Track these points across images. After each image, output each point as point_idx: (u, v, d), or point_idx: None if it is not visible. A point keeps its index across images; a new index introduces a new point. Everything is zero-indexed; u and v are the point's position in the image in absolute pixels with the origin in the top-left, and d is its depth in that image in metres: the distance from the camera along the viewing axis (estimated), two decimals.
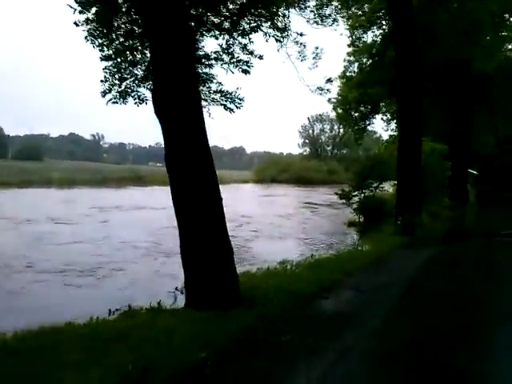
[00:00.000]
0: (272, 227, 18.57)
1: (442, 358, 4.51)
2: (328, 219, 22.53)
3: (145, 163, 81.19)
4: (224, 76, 7.12)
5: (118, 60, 6.78)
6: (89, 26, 6.44)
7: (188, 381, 3.91)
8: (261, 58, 7.11)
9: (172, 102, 5.79)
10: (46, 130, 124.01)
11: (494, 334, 5.42)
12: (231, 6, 6.68)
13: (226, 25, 6.76)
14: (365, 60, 24.97)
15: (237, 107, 7.05)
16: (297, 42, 12.18)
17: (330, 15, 16.49)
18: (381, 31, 23.25)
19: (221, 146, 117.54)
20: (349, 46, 24.65)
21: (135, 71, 6.88)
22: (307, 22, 15.39)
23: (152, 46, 6.08)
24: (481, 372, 4.31)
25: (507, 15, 24.09)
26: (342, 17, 21.06)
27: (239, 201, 28.33)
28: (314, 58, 13.17)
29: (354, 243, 13.60)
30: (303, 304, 6.16)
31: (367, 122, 27.67)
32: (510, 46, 27.24)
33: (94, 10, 6.33)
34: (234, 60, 6.94)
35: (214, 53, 6.95)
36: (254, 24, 6.86)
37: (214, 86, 7.11)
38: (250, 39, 6.96)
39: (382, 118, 29.46)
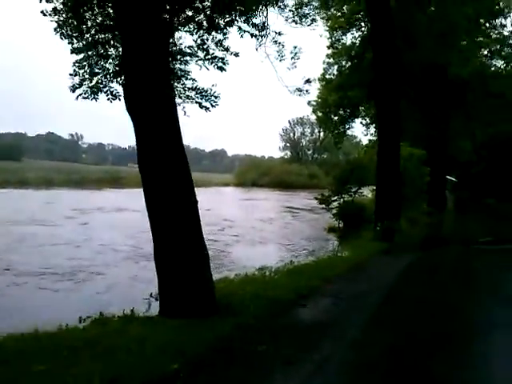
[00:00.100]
0: (253, 231, 18.54)
1: (422, 364, 4.47)
2: (308, 224, 22.49)
3: (124, 164, 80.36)
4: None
5: (89, 53, 6.57)
6: (57, 17, 6.23)
7: None
8: (236, 55, 6.98)
9: (144, 97, 5.55)
10: (23, 129, 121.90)
11: (473, 341, 5.37)
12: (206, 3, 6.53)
13: (201, 19, 6.57)
14: (344, 62, 25.13)
15: (212, 105, 6.90)
16: (275, 42, 12.17)
17: (308, 14, 16.51)
18: (360, 33, 23.45)
19: (202, 149, 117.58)
20: (328, 47, 24.88)
21: (107, 65, 6.67)
22: (286, 20, 15.37)
23: (124, 39, 5.82)
24: (461, 379, 4.26)
25: (482, 21, 24.55)
26: (322, 17, 21.26)
27: (221, 204, 28.21)
28: (293, 57, 13.16)
29: (334, 249, 13.55)
30: (280, 312, 6.01)
31: (347, 126, 27.95)
32: (485, 52, 27.78)
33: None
34: (209, 56, 6.80)
35: (189, 47, 6.80)
36: (229, 19, 6.69)
37: (188, 83, 6.96)
38: (225, 34, 6.82)
39: (361, 122, 29.83)
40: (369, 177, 18.22)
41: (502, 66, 28.03)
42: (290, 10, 14.57)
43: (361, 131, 69.29)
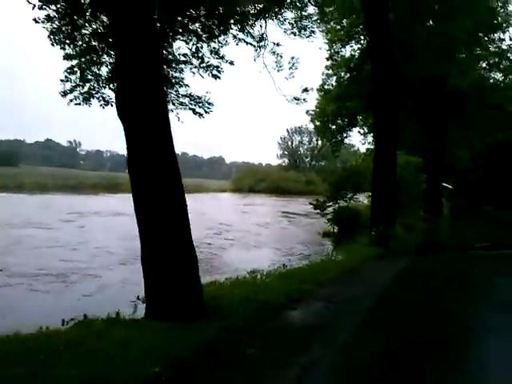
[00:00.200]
0: (249, 235, 18.53)
1: (416, 369, 4.36)
2: (304, 229, 22.44)
3: (122, 170, 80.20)
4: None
5: (82, 60, 6.53)
6: (49, 24, 6.15)
7: None
8: (231, 63, 7.04)
9: (136, 103, 5.45)
10: (22, 136, 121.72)
11: (468, 346, 5.25)
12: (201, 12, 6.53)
13: (195, 27, 6.58)
14: (343, 74, 25.37)
15: (206, 112, 6.89)
16: (274, 52, 12.23)
17: (307, 26, 16.63)
18: (359, 46, 23.66)
19: (200, 156, 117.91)
20: (327, 59, 25.03)
21: (100, 72, 6.67)
22: (284, 32, 15.43)
23: (117, 46, 5.75)
24: None
25: (481, 34, 24.71)
26: (321, 31, 21.39)
27: (217, 209, 28.17)
28: (291, 67, 13.19)
29: (328, 253, 13.40)
30: (271, 315, 5.87)
31: (344, 135, 28.06)
32: (483, 64, 27.92)
33: (54, 7, 6.04)
34: (204, 64, 6.78)
35: (183, 55, 6.78)
36: (223, 27, 6.71)
37: (182, 90, 6.95)
38: (220, 43, 6.84)
39: (359, 132, 29.91)
40: (365, 183, 18.19)
41: (501, 79, 28.11)
42: (289, 23, 14.66)
43: (358, 140, 69.47)
